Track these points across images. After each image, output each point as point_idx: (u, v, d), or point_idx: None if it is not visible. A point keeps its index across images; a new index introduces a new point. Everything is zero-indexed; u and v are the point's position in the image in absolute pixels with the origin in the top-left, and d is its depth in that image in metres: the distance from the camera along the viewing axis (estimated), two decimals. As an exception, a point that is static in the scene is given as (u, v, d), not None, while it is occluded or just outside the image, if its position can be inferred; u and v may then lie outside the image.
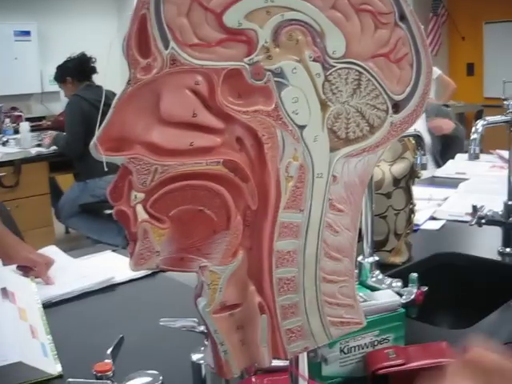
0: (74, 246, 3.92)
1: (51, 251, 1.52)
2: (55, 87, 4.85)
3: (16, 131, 4.73)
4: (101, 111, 0.45)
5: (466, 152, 2.14)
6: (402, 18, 0.49)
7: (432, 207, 1.81)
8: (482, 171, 2.33)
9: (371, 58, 0.49)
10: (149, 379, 0.83)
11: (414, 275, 1.08)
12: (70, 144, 3.80)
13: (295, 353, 0.53)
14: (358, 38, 0.48)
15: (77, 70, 3.89)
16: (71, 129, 3.77)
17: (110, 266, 1.42)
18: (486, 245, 1.47)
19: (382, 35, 0.49)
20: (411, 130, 1.11)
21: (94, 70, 3.94)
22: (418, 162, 1.24)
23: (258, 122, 0.47)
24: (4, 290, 1.13)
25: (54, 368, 0.97)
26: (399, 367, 0.84)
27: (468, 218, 1.46)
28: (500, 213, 1.42)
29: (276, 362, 0.56)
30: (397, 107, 0.51)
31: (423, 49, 0.50)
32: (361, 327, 0.55)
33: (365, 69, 0.49)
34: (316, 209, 0.50)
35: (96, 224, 3.93)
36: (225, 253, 0.48)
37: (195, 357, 0.85)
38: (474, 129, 1.43)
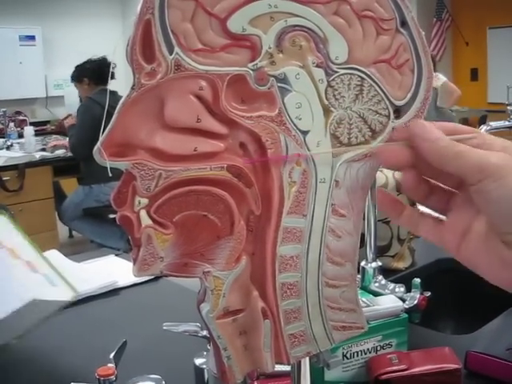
0: (77, 249, 3.93)
1: (53, 256, 1.52)
2: (60, 92, 4.88)
3: (20, 135, 4.75)
4: (105, 115, 0.45)
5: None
6: (404, 24, 0.49)
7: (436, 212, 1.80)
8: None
9: (373, 63, 0.49)
10: (151, 383, 0.83)
11: (417, 280, 1.08)
12: (76, 147, 3.82)
13: (298, 358, 0.53)
14: (360, 44, 0.49)
15: (95, 73, 3.91)
16: (79, 132, 3.79)
17: (113, 270, 1.42)
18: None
19: (383, 41, 0.49)
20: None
21: (112, 76, 3.95)
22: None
23: (261, 128, 0.47)
24: None
25: (67, 294, 0.96)
26: (402, 372, 0.84)
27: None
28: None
29: (278, 367, 0.56)
30: (398, 112, 0.51)
31: (424, 55, 0.50)
32: (363, 332, 0.55)
33: (367, 74, 0.49)
34: (319, 214, 0.50)
35: (99, 227, 3.95)
36: (228, 258, 0.48)
37: (198, 361, 0.85)
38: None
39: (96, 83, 3.91)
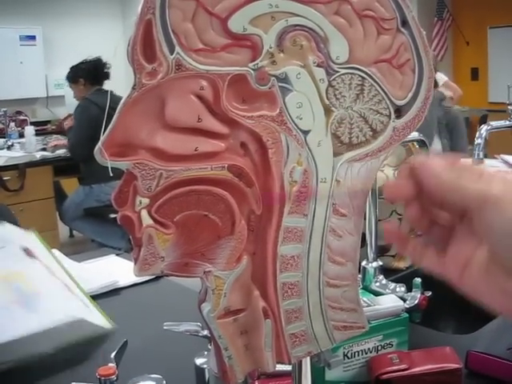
0: (78, 249, 3.93)
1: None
2: (60, 91, 4.87)
3: (21, 135, 4.75)
4: (106, 116, 0.45)
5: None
6: (404, 23, 0.49)
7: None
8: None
9: (374, 63, 0.49)
10: (152, 383, 0.83)
11: (418, 280, 1.08)
12: (75, 147, 3.82)
13: (299, 357, 0.53)
14: (361, 43, 0.49)
15: (90, 73, 3.90)
16: (77, 133, 3.78)
17: (114, 270, 1.42)
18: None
19: (384, 41, 0.49)
20: (414, 135, 1.11)
21: (107, 76, 3.95)
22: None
23: (262, 127, 0.47)
24: (27, 249, 1.11)
25: (105, 322, 0.97)
26: (403, 372, 0.84)
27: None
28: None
29: (279, 367, 0.56)
30: (399, 112, 0.51)
31: (425, 54, 0.50)
32: (363, 331, 0.55)
33: (368, 74, 0.49)
34: (320, 213, 0.50)
35: (100, 227, 3.94)
36: (229, 258, 0.48)
37: (199, 361, 0.85)
38: (478, 134, 1.43)
39: (92, 83, 3.90)
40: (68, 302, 1.01)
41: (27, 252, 1.11)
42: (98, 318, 0.99)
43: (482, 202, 0.42)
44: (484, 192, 0.43)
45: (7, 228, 1.23)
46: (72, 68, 4.00)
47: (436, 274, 0.48)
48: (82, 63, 3.96)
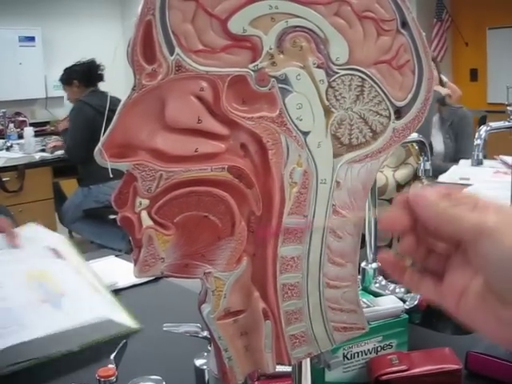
0: (77, 251, 3.92)
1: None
2: (59, 92, 4.86)
3: (20, 136, 4.75)
4: (106, 117, 0.45)
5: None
6: (404, 24, 0.49)
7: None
8: (485, 177, 2.33)
9: (374, 64, 0.49)
10: (152, 384, 0.83)
11: (418, 281, 1.07)
12: (72, 149, 3.82)
13: (299, 358, 0.53)
14: (360, 44, 0.49)
15: (84, 75, 3.90)
16: (74, 135, 3.79)
17: (114, 271, 1.42)
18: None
19: (384, 42, 0.49)
20: (414, 136, 1.11)
21: (101, 78, 3.95)
22: (422, 167, 1.24)
23: (262, 128, 0.47)
24: (55, 249, 1.13)
25: (131, 322, 0.99)
26: (402, 373, 0.84)
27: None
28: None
29: (279, 368, 0.56)
30: (399, 113, 0.51)
31: (425, 55, 0.50)
32: (363, 332, 0.55)
33: (367, 75, 0.49)
34: (320, 214, 0.50)
35: (100, 229, 3.94)
36: (229, 259, 0.48)
37: (198, 362, 0.84)
38: (477, 134, 1.43)
39: (86, 85, 3.90)
40: (95, 301, 1.02)
41: (55, 252, 1.13)
42: (124, 318, 1.00)
43: (477, 234, 0.43)
44: (479, 223, 0.43)
45: (35, 228, 1.25)
46: (66, 70, 4.01)
47: (434, 301, 0.49)
48: (75, 65, 3.96)
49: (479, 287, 0.45)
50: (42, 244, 1.15)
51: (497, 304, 0.43)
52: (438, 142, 2.98)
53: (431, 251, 0.49)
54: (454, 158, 2.91)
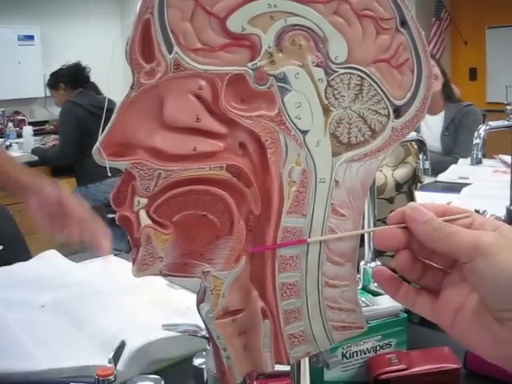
0: (76, 250, 3.92)
1: (51, 256, 1.52)
2: (59, 92, 4.85)
3: (19, 135, 4.76)
4: (104, 117, 0.45)
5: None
6: (403, 23, 0.49)
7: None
8: (484, 176, 2.33)
9: (373, 63, 0.49)
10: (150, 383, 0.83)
11: (417, 280, 1.07)
12: (64, 150, 3.83)
13: (297, 358, 0.53)
14: (359, 43, 0.48)
15: (70, 78, 3.94)
16: (64, 134, 3.81)
17: (112, 270, 1.42)
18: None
19: (383, 41, 0.49)
20: (413, 135, 1.11)
21: (87, 79, 3.97)
22: (421, 166, 1.24)
23: (261, 127, 0.47)
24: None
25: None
26: (401, 372, 0.84)
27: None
28: (502, 217, 1.42)
29: (278, 367, 0.56)
30: (398, 112, 0.51)
31: (424, 54, 0.50)
32: (362, 332, 0.55)
33: (367, 74, 0.49)
34: (319, 213, 0.50)
35: (100, 229, 3.93)
36: (228, 258, 0.48)
37: (197, 361, 0.84)
38: (476, 134, 1.43)
39: (72, 87, 3.92)
40: (165, 317, 1.05)
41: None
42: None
43: (472, 252, 0.43)
44: (475, 242, 0.43)
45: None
46: (52, 74, 4.06)
47: (429, 319, 0.49)
48: (61, 69, 4.01)
49: (475, 305, 0.45)
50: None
51: (492, 322, 0.43)
52: (433, 141, 2.97)
53: (426, 270, 0.49)
54: (450, 152, 2.90)
